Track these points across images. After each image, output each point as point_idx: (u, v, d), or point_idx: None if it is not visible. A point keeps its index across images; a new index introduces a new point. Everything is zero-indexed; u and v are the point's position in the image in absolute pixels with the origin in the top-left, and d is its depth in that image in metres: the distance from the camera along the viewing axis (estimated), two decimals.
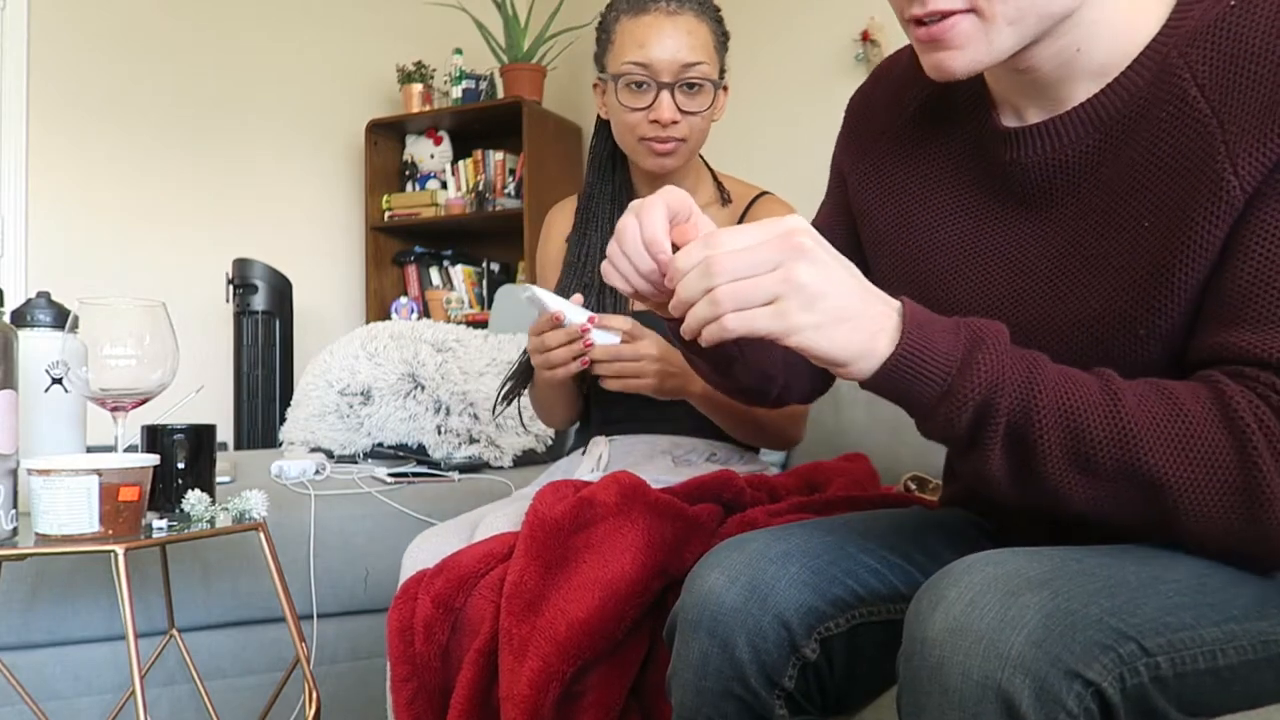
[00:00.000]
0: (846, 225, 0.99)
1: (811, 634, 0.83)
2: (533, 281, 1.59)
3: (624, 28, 1.36)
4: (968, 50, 0.73)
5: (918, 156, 0.91)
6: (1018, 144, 0.81)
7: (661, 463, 1.38)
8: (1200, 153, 0.70)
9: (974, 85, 0.86)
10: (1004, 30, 0.72)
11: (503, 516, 1.25)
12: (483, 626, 1.10)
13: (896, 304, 0.70)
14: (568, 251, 1.47)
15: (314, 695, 1.14)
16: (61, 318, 1.19)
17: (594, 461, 1.42)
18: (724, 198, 1.48)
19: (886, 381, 0.69)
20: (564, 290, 1.43)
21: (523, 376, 1.46)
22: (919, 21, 0.74)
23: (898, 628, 0.81)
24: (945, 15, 0.72)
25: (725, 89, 1.43)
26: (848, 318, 0.67)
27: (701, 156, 1.50)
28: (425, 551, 1.25)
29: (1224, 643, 0.66)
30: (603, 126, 1.46)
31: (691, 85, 1.35)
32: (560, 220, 1.54)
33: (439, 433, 2.02)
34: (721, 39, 1.40)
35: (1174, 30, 0.74)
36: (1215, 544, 0.68)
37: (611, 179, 1.47)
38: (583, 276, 1.43)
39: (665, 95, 1.34)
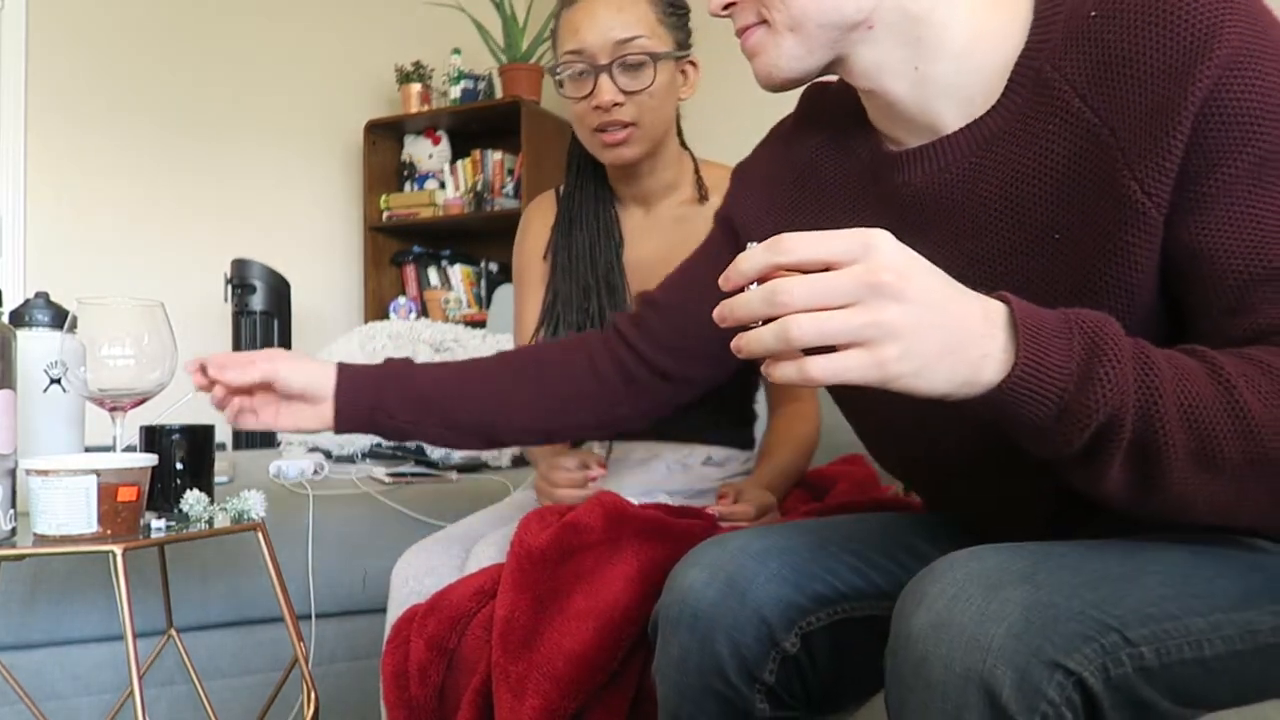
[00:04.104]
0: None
1: (792, 628, 0.83)
2: (503, 280, 1.59)
3: (563, 19, 1.33)
4: (764, 57, 0.80)
5: (817, 193, 0.93)
6: (904, 166, 0.83)
7: (657, 468, 1.38)
8: (1095, 159, 0.72)
9: (862, 122, 0.89)
10: (787, 37, 0.78)
11: (493, 545, 1.22)
12: (478, 666, 1.09)
13: (1001, 311, 0.62)
14: (554, 255, 1.45)
15: (312, 695, 1.14)
16: (60, 318, 1.19)
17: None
18: (701, 195, 1.41)
19: (993, 407, 0.62)
20: (553, 302, 1.43)
21: None
22: (740, 36, 0.82)
23: (884, 625, 0.82)
24: (746, 29, 0.81)
25: (693, 63, 1.37)
26: (948, 351, 0.59)
27: (688, 149, 1.45)
28: (414, 567, 1.23)
29: (1209, 633, 0.65)
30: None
31: (630, 63, 1.29)
32: (538, 218, 1.49)
33: None
34: (670, 9, 1.32)
35: (1040, 45, 0.75)
36: None
37: (591, 179, 1.44)
38: (576, 280, 1.41)
39: (603, 78, 1.28)
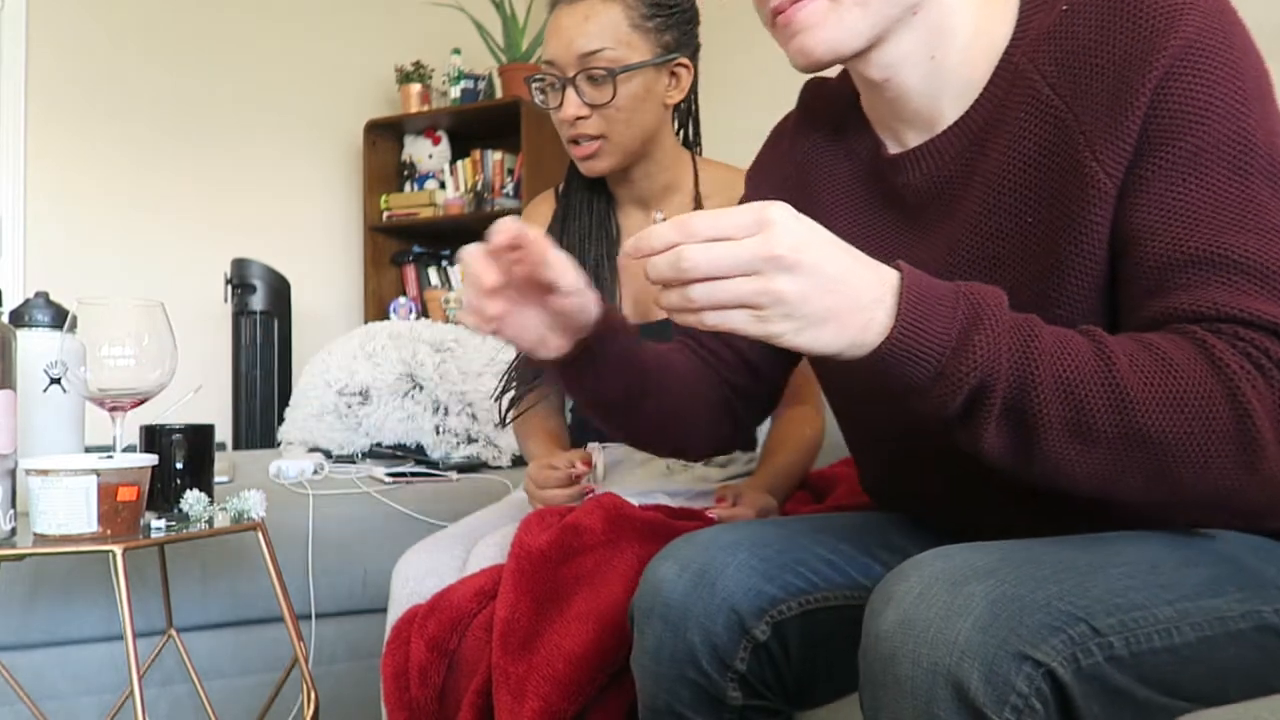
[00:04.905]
0: None
1: (762, 616, 0.85)
2: None
3: (546, 27, 1.32)
4: (821, 29, 0.78)
5: (820, 193, 0.94)
6: (904, 168, 0.85)
7: (657, 469, 1.38)
8: (1061, 143, 0.75)
9: (860, 121, 0.91)
10: (853, 11, 0.78)
11: (494, 546, 1.22)
12: (479, 666, 1.09)
13: (893, 281, 0.66)
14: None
15: (312, 695, 1.14)
16: (60, 318, 1.19)
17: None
18: (696, 199, 1.40)
19: (876, 366, 0.67)
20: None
21: (522, 380, 1.45)
22: (778, 12, 0.79)
23: (856, 616, 0.83)
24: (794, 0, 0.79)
25: (684, 65, 1.33)
26: (830, 318, 0.64)
27: (691, 151, 1.44)
28: (415, 567, 1.23)
29: (1178, 621, 0.66)
30: None
31: (594, 76, 1.27)
32: (536, 217, 1.49)
33: (437, 432, 2.02)
34: (652, 12, 1.29)
35: (1020, 38, 0.79)
36: (1213, 499, 0.68)
37: (588, 179, 1.41)
38: None
39: (568, 91, 1.27)
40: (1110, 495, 0.70)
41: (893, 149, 0.87)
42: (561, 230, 1.43)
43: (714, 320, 0.65)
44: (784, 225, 0.64)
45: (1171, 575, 0.69)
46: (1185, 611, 0.67)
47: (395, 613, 1.20)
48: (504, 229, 0.78)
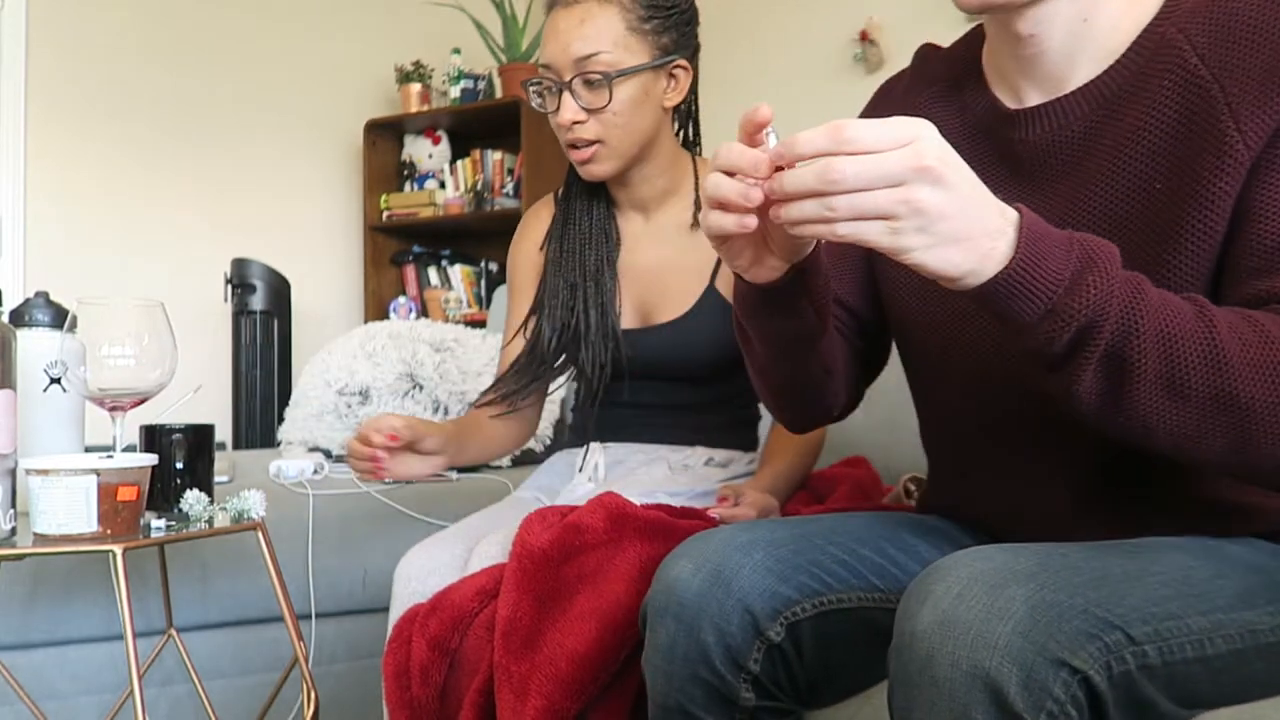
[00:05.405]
0: None
1: (776, 618, 0.85)
2: (502, 280, 1.56)
3: (543, 30, 1.31)
4: None
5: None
6: (1024, 124, 0.86)
7: (658, 470, 1.38)
8: (1203, 112, 0.75)
9: (977, 79, 0.92)
10: None
11: (495, 544, 1.22)
12: (480, 665, 1.08)
13: (1014, 217, 0.67)
14: (549, 249, 1.43)
15: (312, 695, 1.14)
16: (60, 317, 1.19)
17: (590, 471, 1.40)
18: (698, 205, 1.37)
19: (991, 297, 0.67)
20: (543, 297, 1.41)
21: (519, 379, 1.43)
22: None
23: (871, 617, 0.83)
24: None
25: (683, 67, 1.32)
26: (962, 239, 0.65)
27: (691, 152, 1.43)
28: (416, 566, 1.23)
29: (1211, 632, 0.67)
30: None
31: (590, 81, 1.25)
32: (534, 222, 1.48)
33: None
34: (649, 15, 1.27)
35: (1172, 10, 0.80)
36: None
37: (587, 183, 1.40)
38: (564, 276, 1.40)
39: (565, 96, 1.26)
40: (1188, 455, 0.70)
41: (1010, 104, 0.88)
42: (561, 235, 1.43)
43: (847, 230, 0.64)
44: (933, 138, 0.64)
45: (1205, 586, 0.70)
46: (1219, 623, 0.68)
47: (397, 611, 1.20)
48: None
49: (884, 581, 0.89)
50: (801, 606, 0.85)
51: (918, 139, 0.63)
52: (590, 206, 1.43)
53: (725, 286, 1.37)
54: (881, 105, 1.03)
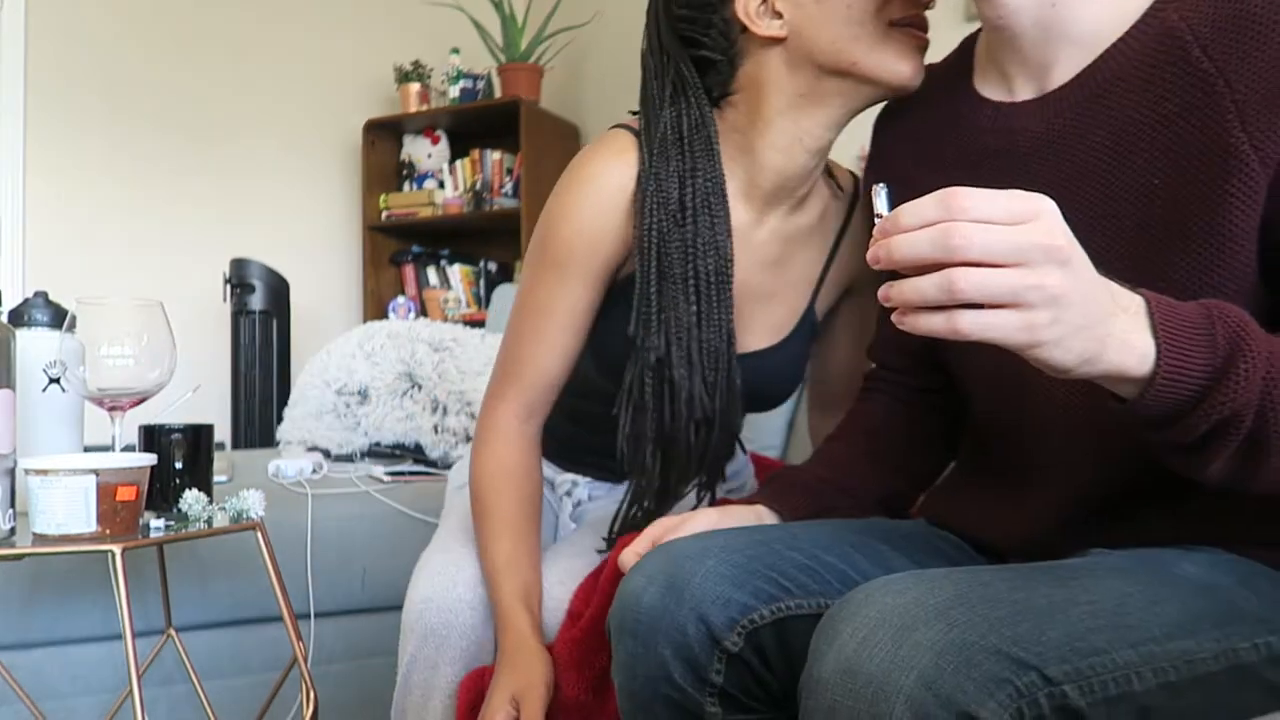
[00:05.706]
0: None
1: (734, 626, 0.80)
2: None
3: None
4: None
5: (932, 154, 0.94)
6: (1012, 117, 0.84)
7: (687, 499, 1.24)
8: (1206, 110, 0.71)
9: (969, 83, 0.90)
10: None
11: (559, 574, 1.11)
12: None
13: (1137, 302, 0.62)
14: (653, 245, 1.02)
15: (311, 695, 1.14)
16: (59, 317, 1.19)
17: (570, 506, 1.32)
18: (837, 185, 1.14)
19: (1134, 405, 0.61)
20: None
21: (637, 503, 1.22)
22: None
23: None
24: None
25: None
26: (1083, 327, 0.58)
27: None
28: (432, 586, 1.11)
29: (1139, 665, 0.62)
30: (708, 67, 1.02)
31: None
32: (617, 188, 1.04)
33: (436, 432, 2.02)
34: None
35: None
36: None
37: (710, 153, 1.03)
38: (681, 287, 1.03)
39: None
40: None
41: (1000, 97, 0.86)
42: (680, 221, 1.03)
43: (972, 325, 0.56)
44: (1057, 214, 0.58)
45: (1140, 615, 0.65)
46: (1149, 655, 0.62)
47: (411, 641, 1.10)
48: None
49: (847, 588, 0.84)
50: (759, 613, 0.81)
51: (1041, 214, 0.57)
52: (708, 188, 1.03)
53: (823, 305, 1.18)
54: (887, 127, 1.02)
